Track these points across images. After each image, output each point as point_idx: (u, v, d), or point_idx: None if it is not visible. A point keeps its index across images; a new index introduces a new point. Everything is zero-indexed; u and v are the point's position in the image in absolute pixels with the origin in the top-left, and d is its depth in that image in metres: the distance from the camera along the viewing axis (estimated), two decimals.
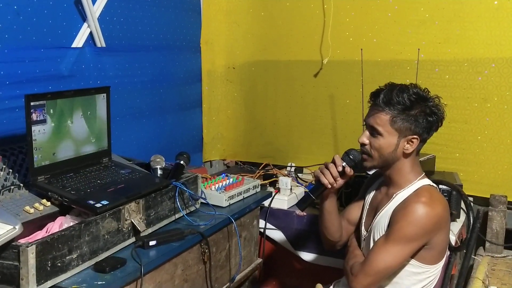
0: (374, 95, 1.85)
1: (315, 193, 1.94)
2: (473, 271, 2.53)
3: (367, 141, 1.86)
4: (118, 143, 2.29)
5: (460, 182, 2.67)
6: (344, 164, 1.89)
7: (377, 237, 1.86)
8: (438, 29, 2.87)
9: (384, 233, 1.83)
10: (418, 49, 2.77)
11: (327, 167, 1.90)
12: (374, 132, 1.84)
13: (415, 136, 1.81)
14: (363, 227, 1.99)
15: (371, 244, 1.88)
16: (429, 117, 1.80)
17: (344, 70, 3.08)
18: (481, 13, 2.77)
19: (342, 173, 1.90)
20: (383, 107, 1.80)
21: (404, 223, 1.75)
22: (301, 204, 1.99)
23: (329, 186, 1.89)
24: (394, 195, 1.86)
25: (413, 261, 1.83)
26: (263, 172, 3.03)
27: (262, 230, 2.61)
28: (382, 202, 1.92)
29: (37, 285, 1.43)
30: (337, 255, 2.53)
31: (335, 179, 1.89)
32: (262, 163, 3.19)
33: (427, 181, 1.87)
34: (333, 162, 1.90)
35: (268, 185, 2.83)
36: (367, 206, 2.01)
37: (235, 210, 2.23)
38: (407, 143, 1.82)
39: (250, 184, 2.41)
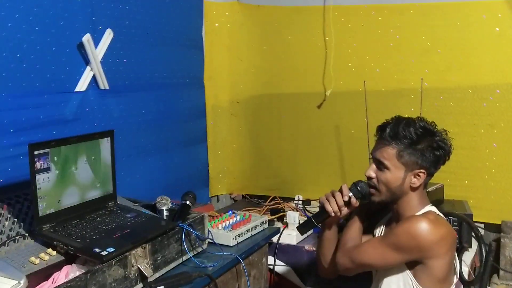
0: (381, 129, 1.87)
1: (318, 219, 1.97)
2: None
3: (373, 175, 1.86)
4: (124, 183, 2.28)
5: (470, 210, 2.64)
6: (351, 194, 1.90)
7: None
8: (440, 57, 2.87)
9: None
10: (422, 78, 2.76)
11: (333, 195, 1.91)
12: (381, 166, 1.84)
13: (422, 170, 1.80)
14: None
15: (382, 276, 1.88)
16: (436, 151, 1.80)
17: (348, 101, 3.07)
18: (483, 40, 2.77)
19: (348, 204, 1.91)
20: (390, 141, 1.81)
21: (402, 231, 1.77)
22: (301, 227, 2.04)
23: (333, 214, 1.91)
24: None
25: (414, 282, 1.81)
26: (270, 206, 3.00)
27: (271, 266, 2.57)
28: None
29: None
30: None
31: (339, 208, 1.90)
32: (269, 196, 3.16)
33: (434, 209, 1.87)
34: (340, 191, 1.91)
35: (276, 220, 2.80)
36: None
37: (243, 249, 2.20)
38: (414, 177, 1.81)
39: (258, 221, 2.39)
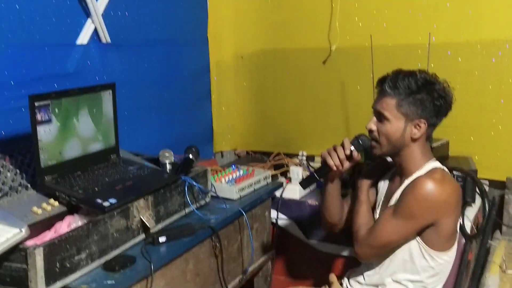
0: (381, 81, 1.86)
1: (320, 174, 1.95)
2: (490, 255, 2.49)
3: (374, 127, 1.85)
4: (126, 138, 2.28)
5: (475, 166, 2.62)
6: (352, 148, 1.88)
7: None
8: (449, 12, 2.79)
9: None
10: (429, 33, 2.70)
11: (335, 149, 1.89)
12: (381, 118, 1.83)
13: (422, 120, 1.79)
14: (376, 215, 1.97)
15: None
16: (436, 101, 1.78)
17: (354, 57, 3.02)
18: None
19: (350, 157, 1.89)
20: (389, 91, 1.80)
21: (411, 198, 1.75)
22: (304, 182, 2.02)
23: (335, 168, 1.88)
24: (405, 180, 1.84)
25: (422, 245, 1.81)
26: (274, 161, 3.00)
27: (274, 220, 2.59)
28: (394, 189, 1.90)
29: (46, 287, 1.43)
30: (349, 243, 2.50)
31: (341, 162, 1.88)
32: (273, 152, 3.16)
33: (438, 164, 1.85)
34: (342, 145, 1.89)
35: (279, 175, 2.81)
36: (381, 198, 1.98)
37: (246, 202, 2.22)
38: (415, 127, 1.80)
39: (261, 176, 2.40)
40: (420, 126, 1.79)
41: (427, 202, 1.73)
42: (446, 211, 1.76)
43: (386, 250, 1.84)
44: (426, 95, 1.78)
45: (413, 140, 1.81)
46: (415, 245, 1.82)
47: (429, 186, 1.72)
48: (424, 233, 1.80)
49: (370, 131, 1.87)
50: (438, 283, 1.87)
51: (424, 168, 1.83)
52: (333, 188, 2.00)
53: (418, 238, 1.81)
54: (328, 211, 2.05)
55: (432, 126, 1.83)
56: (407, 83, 1.77)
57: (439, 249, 1.81)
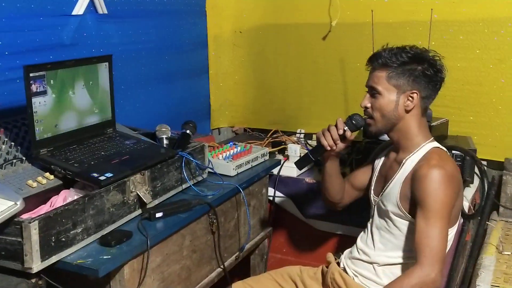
0: (370, 58, 1.86)
1: (315, 154, 1.95)
2: (487, 236, 2.50)
3: (368, 104, 1.85)
4: (123, 112, 2.25)
5: (474, 146, 2.61)
6: (345, 128, 1.88)
7: (389, 206, 1.83)
8: None
9: (395, 200, 1.80)
10: (431, 9, 2.66)
11: (328, 129, 1.89)
12: (373, 93, 1.83)
13: (414, 91, 1.78)
14: (372, 194, 1.97)
15: (383, 211, 1.86)
16: (427, 71, 1.78)
17: (354, 33, 2.97)
18: None
19: (343, 137, 1.89)
20: (379, 65, 1.81)
21: (432, 194, 1.69)
22: (299, 162, 2.02)
23: (328, 148, 1.89)
24: (404, 160, 1.82)
25: None
26: (271, 139, 2.98)
27: (271, 198, 2.58)
28: (392, 169, 1.88)
29: (41, 261, 1.42)
30: (347, 222, 2.51)
31: (335, 142, 1.88)
32: (271, 130, 3.13)
33: (435, 144, 1.83)
34: (335, 125, 1.89)
35: (277, 153, 2.78)
36: (376, 173, 1.98)
37: (243, 179, 2.19)
38: (407, 99, 1.79)
39: (259, 152, 2.37)
40: (412, 97, 1.78)
41: (448, 187, 1.70)
42: (458, 187, 1.76)
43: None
44: (416, 65, 1.77)
45: (407, 111, 1.80)
46: None
47: (436, 173, 1.69)
48: None
49: (365, 108, 1.86)
50: None
51: (423, 148, 1.81)
52: (331, 167, 2.00)
53: None
54: (327, 190, 2.05)
55: (426, 99, 1.81)
56: (397, 55, 1.78)
57: None
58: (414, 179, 1.75)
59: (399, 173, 1.83)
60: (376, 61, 1.82)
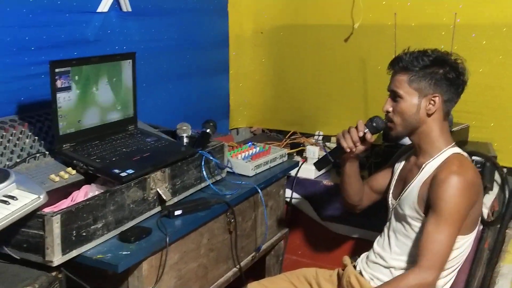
0: (392, 62, 1.86)
1: (334, 155, 1.96)
2: (505, 244, 2.46)
3: (390, 108, 1.85)
4: (144, 109, 2.26)
5: (494, 153, 2.57)
6: (366, 130, 1.88)
7: (406, 210, 1.82)
8: None
9: (413, 204, 1.79)
10: (455, 13, 2.63)
11: (349, 131, 1.89)
12: (395, 97, 1.82)
13: (436, 95, 1.77)
14: (391, 197, 1.96)
15: (400, 214, 1.85)
16: (448, 74, 1.77)
17: (376, 35, 2.96)
18: None
19: (363, 139, 1.89)
20: (401, 69, 1.81)
21: (447, 200, 1.68)
22: (318, 163, 2.03)
23: (348, 150, 1.89)
24: (424, 165, 1.82)
25: None
26: (290, 140, 2.98)
27: (288, 199, 2.58)
28: (412, 172, 1.87)
29: (62, 254, 1.43)
30: (364, 226, 2.50)
31: (354, 144, 1.88)
32: (289, 131, 3.13)
33: (457, 150, 1.82)
34: (356, 127, 1.89)
35: (295, 154, 2.78)
36: (395, 177, 1.98)
37: (261, 180, 2.20)
38: (429, 103, 1.78)
39: (277, 153, 2.37)
40: (434, 101, 1.77)
41: (463, 195, 1.69)
42: (476, 195, 1.75)
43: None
44: (437, 68, 1.77)
45: (429, 115, 1.79)
46: None
47: (455, 180, 1.69)
48: None
49: (387, 112, 1.86)
50: (454, 269, 1.86)
51: (444, 153, 1.80)
52: (351, 170, 2.01)
53: None
54: (346, 192, 2.06)
55: (448, 102, 1.80)
56: (418, 58, 1.77)
57: (462, 232, 1.78)
58: (432, 183, 1.75)
59: (418, 177, 1.82)
60: (398, 64, 1.82)
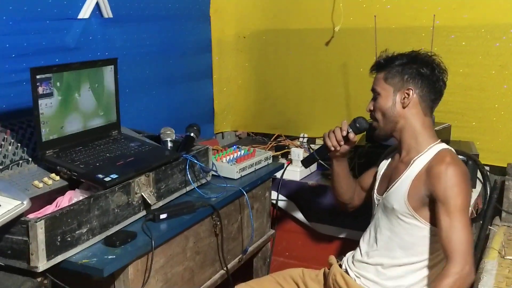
0: (373, 64, 1.97)
1: (320, 154, 2.07)
2: (489, 241, 2.50)
3: (372, 107, 1.93)
4: (127, 115, 2.26)
5: (476, 151, 2.62)
6: (350, 130, 1.96)
7: (395, 204, 1.84)
8: None
9: (403, 199, 1.81)
10: (434, 15, 2.68)
11: (333, 131, 1.99)
12: (375, 95, 1.91)
13: (409, 87, 1.85)
14: (375, 194, 1.99)
15: (388, 209, 1.88)
16: (421, 69, 1.85)
17: (357, 38, 3.00)
18: None
19: (347, 139, 1.97)
20: (378, 69, 1.92)
21: (452, 190, 1.72)
22: (305, 161, 2.15)
23: (332, 148, 1.99)
24: (412, 160, 1.85)
25: (429, 227, 1.81)
26: (275, 143, 3.00)
27: (274, 201, 2.59)
28: (398, 169, 1.90)
29: (47, 260, 1.43)
30: (350, 226, 2.52)
31: (338, 143, 1.97)
32: (274, 134, 3.15)
33: (445, 146, 1.87)
34: (340, 126, 1.98)
35: (280, 157, 2.80)
36: (380, 174, 2.02)
37: (247, 182, 2.20)
38: (403, 96, 1.86)
39: (262, 156, 2.38)
40: (408, 93, 1.85)
41: (464, 181, 1.74)
42: (470, 188, 1.82)
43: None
44: (410, 64, 1.86)
45: (404, 107, 1.85)
46: (423, 228, 1.82)
47: (451, 170, 1.73)
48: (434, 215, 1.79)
49: (370, 111, 1.94)
50: (439, 265, 1.88)
51: (432, 149, 1.84)
52: (339, 168, 2.08)
53: (424, 221, 1.81)
54: (335, 189, 2.14)
55: (425, 97, 1.86)
56: (392, 57, 1.89)
57: None
58: (429, 176, 1.77)
59: (407, 172, 1.85)
60: (376, 65, 1.94)
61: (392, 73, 1.87)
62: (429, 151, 1.83)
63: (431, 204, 1.78)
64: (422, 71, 1.85)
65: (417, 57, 1.89)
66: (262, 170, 2.36)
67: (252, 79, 3.39)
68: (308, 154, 2.21)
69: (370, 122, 1.96)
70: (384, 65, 1.89)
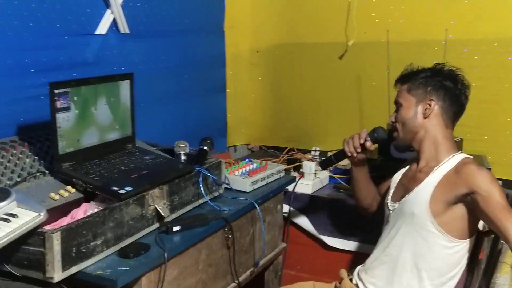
0: (397, 78, 2.01)
1: (336, 157, 2.17)
2: (501, 255, 2.48)
3: (393, 118, 1.99)
4: (142, 128, 2.30)
5: (488, 165, 2.61)
6: (368, 139, 2.03)
7: (415, 208, 1.85)
8: (468, 8, 2.79)
9: (424, 203, 1.82)
10: (446, 29, 2.70)
11: (352, 137, 2.08)
12: (397, 106, 1.97)
13: (432, 98, 1.89)
14: (389, 201, 2.02)
15: (406, 213, 1.89)
16: (444, 82, 1.90)
17: (370, 52, 3.02)
18: None
19: (364, 147, 2.05)
20: (402, 80, 1.98)
21: (491, 185, 1.73)
22: (322, 163, 2.26)
23: (349, 154, 2.08)
24: (434, 169, 1.87)
25: (444, 236, 1.83)
26: (287, 156, 3.02)
27: (286, 214, 2.60)
28: (416, 178, 1.92)
29: (63, 271, 1.45)
30: (361, 239, 2.52)
31: (355, 149, 2.05)
32: (286, 148, 3.17)
33: (466, 155, 1.90)
34: (359, 134, 2.05)
35: (292, 170, 2.81)
36: (395, 183, 2.06)
37: (259, 195, 2.22)
38: (425, 107, 1.90)
39: (274, 169, 2.40)
40: (430, 104, 1.89)
41: (497, 183, 1.77)
42: None
43: None
44: (434, 77, 1.91)
45: (425, 117, 1.89)
46: (438, 235, 1.83)
47: (478, 170, 1.78)
48: (453, 220, 1.81)
49: (392, 123, 2.00)
50: (453, 278, 1.89)
51: (454, 158, 1.87)
52: (358, 175, 2.17)
53: (440, 229, 1.82)
54: (355, 194, 2.25)
55: (447, 109, 1.89)
56: (417, 71, 1.96)
57: (460, 236, 1.83)
58: (460, 175, 1.78)
59: (428, 179, 1.87)
60: (401, 78, 2.00)
61: (416, 85, 1.92)
62: (450, 160, 1.86)
63: (454, 209, 1.80)
64: (446, 84, 1.90)
65: (441, 70, 1.95)
66: (274, 183, 2.38)
67: (266, 93, 3.43)
68: (326, 157, 2.31)
69: (391, 131, 2.03)
70: (409, 77, 1.95)
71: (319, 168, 2.77)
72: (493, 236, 2.29)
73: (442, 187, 1.82)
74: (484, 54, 2.79)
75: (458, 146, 2.62)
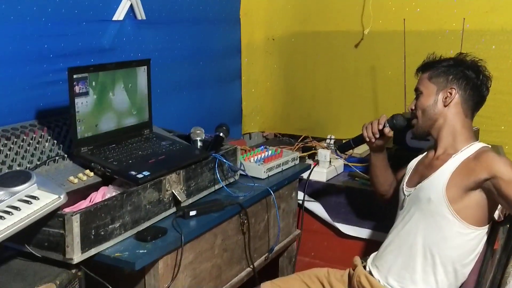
0: (419, 66, 2.02)
1: (355, 142, 2.22)
2: None
3: (413, 106, 2.00)
4: (158, 115, 2.31)
5: (504, 155, 2.60)
6: (386, 125, 2.08)
7: (432, 194, 1.85)
8: None
9: (441, 189, 1.83)
10: (464, 19, 2.67)
11: (371, 123, 2.11)
12: (417, 94, 1.98)
13: (453, 87, 1.90)
14: (405, 186, 2.02)
15: (421, 198, 1.89)
16: (467, 71, 1.90)
17: (386, 41, 3.01)
18: None
19: (382, 133, 2.09)
20: (424, 69, 1.99)
21: (511, 173, 1.73)
22: (341, 147, 2.34)
23: (367, 139, 2.12)
24: (452, 156, 1.88)
25: (460, 222, 1.83)
26: (302, 144, 3.03)
27: (300, 202, 2.61)
28: (434, 164, 1.93)
29: (82, 253, 1.48)
30: (375, 227, 2.53)
31: (374, 135, 2.09)
32: (301, 136, 3.18)
33: (485, 144, 1.91)
34: (378, 120, 2.10)
35: (307, 158, 2.82)
36: (410, 169, 2.07)
37: (274, 182, 2.24)
38: (446, 95, 1.90)
39: (289, 157, 2.42)
40: (450, 93, 1.89)
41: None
42: None
43: None
44: (456, 66, 1.92)
45: (445, 105, 1.90)
46: (453, 222, 1.83)
47: (504, 158, 1.81)
48: (470, 205, 1.82)
49: (411, 110, 2.01)
50: (467, 266, 1.90)
51: (473, 146, 1.88)
52: (376, 160, 2.21)
53: (456, 215, 1.82)
54: (372, 179, 2.27)
55: (468, 99, 1.90)
56: (439, 59, 1.97)
57: (476, 223, 1.84)
58: (480, 161, 1.79)
59: (445, 166, 1.87)
60: (422, 66, 2.00)
61: (437, 73, 1.93)
62: (468, 148, 1.87)
63: (471, 195, 1.80)
64: (468, 73, 1.90)
65: (464, 60, 1.95)
66: (289, 170, 2.40)
67: (280, 81, 3.43)
68: (345, 141, 2.32)
69: (408, 119, 2.04)
70: (431, 66, 1.96)
71: (334, 156, 2.81)
72: (508, 225, 2.28)
73: (459, 174, 1.82)
74: (500, 44, 2.77)
75: (475, 136, 2.63)
